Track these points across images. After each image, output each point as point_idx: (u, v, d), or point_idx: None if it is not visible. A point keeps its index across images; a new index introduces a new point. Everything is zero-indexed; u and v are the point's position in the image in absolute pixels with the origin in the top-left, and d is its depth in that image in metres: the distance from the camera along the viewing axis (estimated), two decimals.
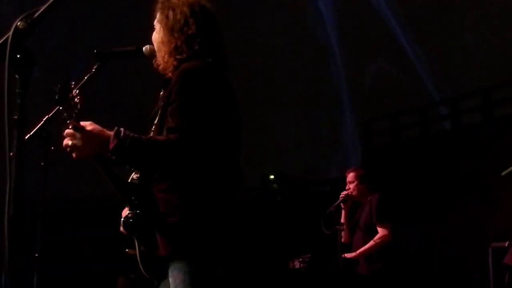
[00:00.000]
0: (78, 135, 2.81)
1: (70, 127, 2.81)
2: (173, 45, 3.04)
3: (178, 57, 3.02)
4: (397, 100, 14.50)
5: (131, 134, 2.80)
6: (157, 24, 3.16)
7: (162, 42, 3.08)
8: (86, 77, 3.15)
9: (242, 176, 3.07)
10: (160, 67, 3.11)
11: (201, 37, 3.04)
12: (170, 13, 3.09)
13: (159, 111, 3.00)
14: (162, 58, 3.09)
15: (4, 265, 1.75)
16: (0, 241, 1.77)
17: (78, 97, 2.79)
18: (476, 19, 13.53)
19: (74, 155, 2.88)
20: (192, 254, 2.86)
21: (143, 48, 3.17)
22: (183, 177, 2.88)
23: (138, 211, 2.94)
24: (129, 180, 3.03)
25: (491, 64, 12.85)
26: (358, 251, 6.99)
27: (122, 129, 2.81)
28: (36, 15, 1.83)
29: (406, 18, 15.29)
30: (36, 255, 3.42)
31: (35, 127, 3.20)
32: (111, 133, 2.80)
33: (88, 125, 2.83)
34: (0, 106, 1.75)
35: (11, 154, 1.77)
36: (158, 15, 3.16)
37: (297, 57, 16.19)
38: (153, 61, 3.14)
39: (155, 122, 3.03)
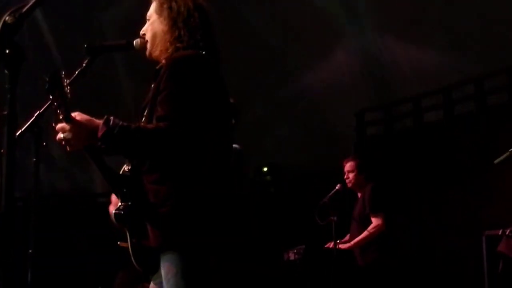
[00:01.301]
0: (67, 127, 2.80)
1: (61, 117, 2.80)
2: (176, 34, 3.07)
3: (178, 45, 3.05)
4: (390, 90, 14.48)
5: (120, 122, 2.78)
6: (154, 15, 3.18)
7: (163, 31, 3.12)
8: (77, 71, 3.15)
9: (230, 167, 3.08)
10: (155, 54, 3.15)
11: (202, 30, 3.09)
12: (174, 4, 3.14)
13: (149, 102, 3.00)
14: (162, 45, 3.11)
15: None
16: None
17: (68, 87, 2.77)
18: (466, 7, 13.54)
19: (67, 148, 2.87)
20: (183, 245, 2.84)
21: (134, 42, 3.18)
22: (173, 167, 2.87)
23: (129, 203, 2.94)
24: (120, 172, 3.02)
25: (484, 52, 12.86)
26: (352, 242, 7.01)
27: (111, 117, 2.79)
28: (24, 9, 1.82)
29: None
30: (30, 251, 3.41)
31: (27, 123, 3.20)
32: (101, 121, 2.79)
33: (76, 115, 2.82)
34: None
35: (1, 151, 1.76)
36: (156, 6, 3.20)
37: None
38: (147, 49, 3.18)
39: (145, 113, 3.02)
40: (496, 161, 6.14)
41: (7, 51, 1.78)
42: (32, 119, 3.30)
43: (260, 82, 15.77)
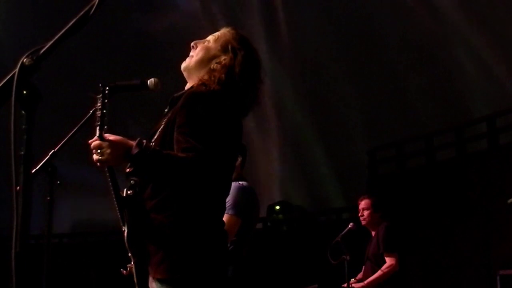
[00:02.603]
0: (104, 144, 2.84)
1: (97, 135, 2.85)
2: (210, 70, 3.10)
3: (207, 82, 3.04)
4: (402, 128, 14.49)
5: (152, 146, 2.88)
6: (213, 42, 3.21)
7: (207, 61, 3.16)
8: (91, 111, 3.19)
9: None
10: (188, 74, 3.19)
11: (238, 76, 3.09)
12: (229, 45, 3.15)
13: (161, 128, 3.03)
14: (198, 73, 3.14)
15: None
16: (7, 276, 1.77)
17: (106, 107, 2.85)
18: (479, 46, 13.61)
19: (100, 164, 2.90)
20: (183, 274, 2.87)
21: (148, 82, 3.20)
22: (177, 195, 2.90)
23: (130, 228, 2.96)
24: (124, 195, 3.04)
25: (495, 90, 12.89)
26: (365, 281, 6.97)
27: (144, 140, 2.86)
28: (42, 51, 1.85)
29: (407, 49, 15.38)
30: None
31: (41, 162, 3.23)
32: (133, 142, 2.84)
33: (108, 135, 2.87)
34: (7, 142, 1.77)
35: (17, 188, 1.78)
36: (219, 36, 3.23)
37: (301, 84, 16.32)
38: (186, 62, 3.22)
39: (154, 138, 3.05)
40: (509, 201, 6.11)
41: (24, 92, 1.81)
42: (46, 158, 3.33)
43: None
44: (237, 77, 3.09)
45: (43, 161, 3.27)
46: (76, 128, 3.30)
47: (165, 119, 3.04)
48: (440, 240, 11.24)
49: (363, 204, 7.25)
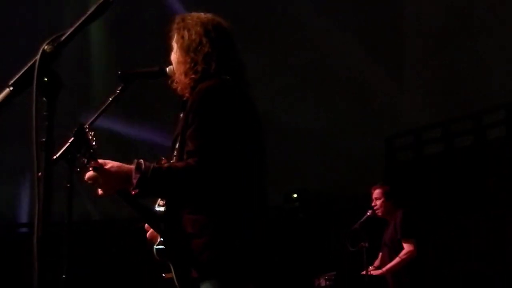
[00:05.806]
0: (98, 176, 2.85)
1: (90, 169, 2.84)
2: (188, 65, 3.06)
3: (192, 76, 3.03)
4: (419, 115, 14.41)
5: (152, 166, 2.83)
6: (174, 45, 3.18)
7: (178, 63, 3.11)
8: (111, 99, 3.19)
9: (266, 193, 3.08)
10: (178, 88, 3.14)
11: (216, 55, 3.05)
12: (185, 33, 3.11)
13: (179, 134, 3.02)
14: (178, 77, 3.12)
15: (33, 285, 1.77)
16: (30, 261, 1.79)
17: (94, 138, 2.83)
18: (498, 31, 13.53)
19: (99, 193, 2.93)
20: (222, 273, 2.86)
21: (167, 69, 3.20)
22: (210, 197, 2.88)
23: (168, 238, 2.96)
24: (156, 207, 3.04)
25: None
26: (384, 268, 6.96)
27: (141, 161, 2.83)
28: (62, 38, 1.86)
29: (427, 33, 15.28)
30: (64, 276, 3.44)
31: (61, 149, 3.24)
32: (131, 166, 2.83)
33: (106, 163, 2.87)
34: (28, 128, 1.78)
35: (39, 174, 1.80)
36: (175, 36, 3.18)
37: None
38: (172, 82, 3.18)
39: (177, 146, 3.04)
40: None
41: (45, 79, 1.82)
42: (66, 145, 3.34)
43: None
44: (212, 58, 3.03)
45: (63, 148, 3.28)
46: (96, 115, 3.30)
47: (181, 124, 3.03)
48: (458, 228, 11.20)
49: (375, 194, 7.26)
